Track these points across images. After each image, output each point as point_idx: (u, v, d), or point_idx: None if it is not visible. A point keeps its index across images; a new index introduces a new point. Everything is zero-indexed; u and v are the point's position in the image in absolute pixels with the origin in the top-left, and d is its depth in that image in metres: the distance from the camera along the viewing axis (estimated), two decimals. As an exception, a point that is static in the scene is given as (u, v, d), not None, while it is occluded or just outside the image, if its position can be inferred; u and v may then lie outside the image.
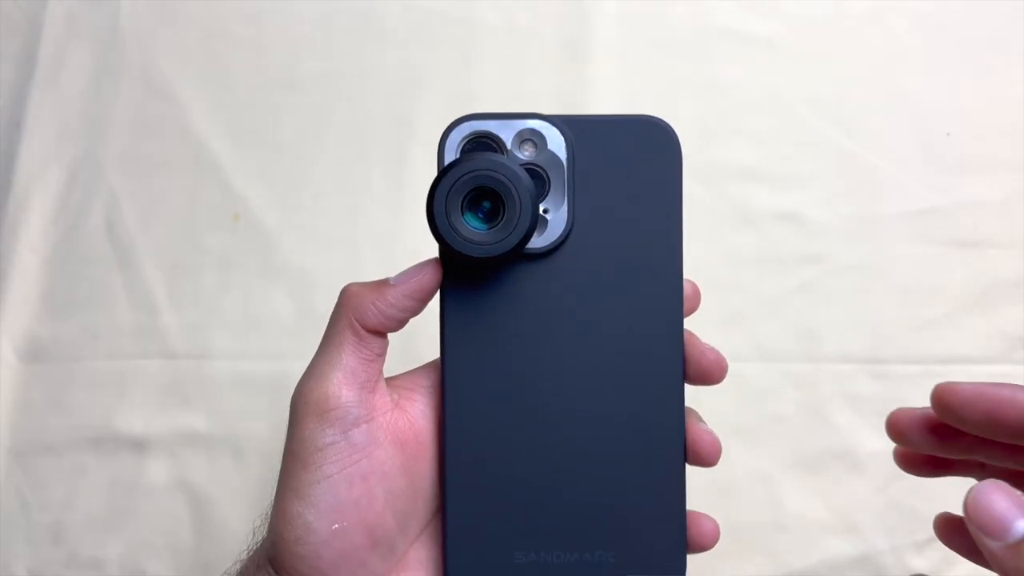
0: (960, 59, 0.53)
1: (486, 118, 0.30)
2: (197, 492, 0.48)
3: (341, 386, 0.29)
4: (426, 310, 0.31)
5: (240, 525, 0.47)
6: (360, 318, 0.29)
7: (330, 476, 0.29)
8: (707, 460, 0.31)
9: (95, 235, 0.51)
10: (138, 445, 0.48)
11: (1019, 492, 0.25)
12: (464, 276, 0.30)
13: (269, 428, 0.49)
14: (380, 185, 0.52)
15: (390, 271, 0.49)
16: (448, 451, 0.30)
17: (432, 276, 0.30)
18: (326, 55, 0.54)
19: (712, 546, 0.31)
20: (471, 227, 0.29)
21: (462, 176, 0.28)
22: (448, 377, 0.30)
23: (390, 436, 0.30)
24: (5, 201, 0.52)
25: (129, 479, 0.48)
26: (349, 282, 0.31)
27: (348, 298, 0.30)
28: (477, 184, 0.28)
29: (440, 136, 0.30)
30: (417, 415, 0.31)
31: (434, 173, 0.29)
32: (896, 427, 0.30)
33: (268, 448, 0.48)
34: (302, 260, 0.51)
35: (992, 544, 0.25)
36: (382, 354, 0.30)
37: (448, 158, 0.30)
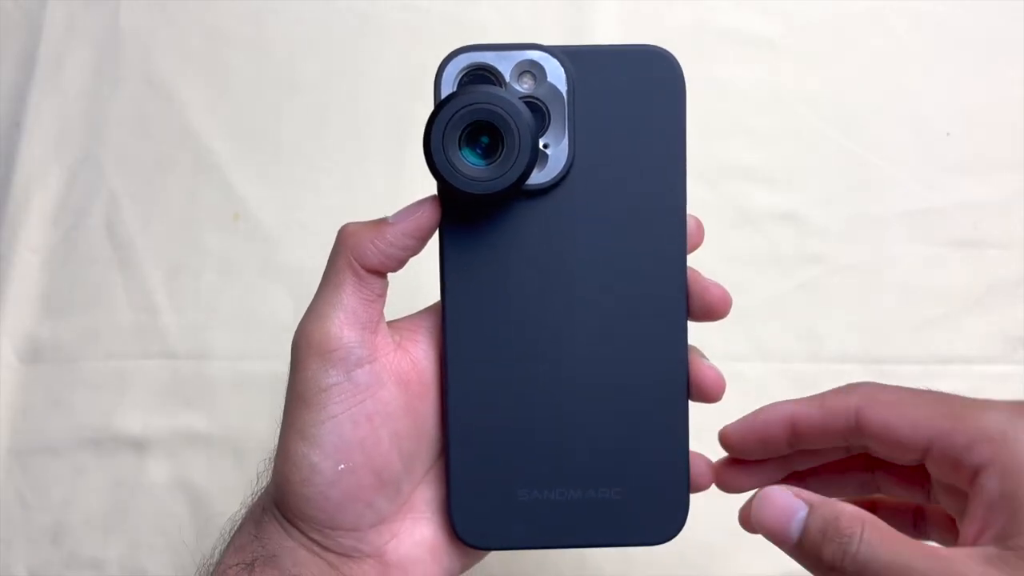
0: (960, 59, 0.53)
1: (484, 49, 0.29)
2: (197, 492, 0.48)
3: (343, 326, 0.29)
4: (428, 255, 0.30)
5: (240, 525, 0.47)
6: (359, 257, 0.29)
7: (335, 416, 0.28)
8: (711, 395, 0.31)
9: (95, 235, 0.51)
10: (138, 445, 0.48)
11: (794, 490, 0.26)
12: (463, 214, 0.29)
13: (269, 428, 0.48)
14: (380, 185, 0.51)
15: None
16: (451, 390, 0.30)
17: (431, 214, 0.29)
18: (326, 55, 0.53)
19: (707, 486, 0.32)
20: (469, 163, 0.28)
21: (459, 110, 0.27)
22: (449, 316, 0.30)
23: (394, 377, 0.29)
24: (5, 201, 0.52)
25: (129, 479, 0.48)
26: (347, 222, 0.30)
27: (346, 237, 0.30)
28: (475, 118, 0.27)
29: (436, 68, 0.29)
30: (420, 356, 0.30)
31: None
32: (719, 478, 0.32)
33: (268, 448, 0.48)
34: (302, 260, 0.50)
35: (783, 548, 0.26)
36: (383, 295, 0.30)
37: (445, 91, 0.29)
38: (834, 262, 0.50)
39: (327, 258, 0.50)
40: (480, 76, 0.29)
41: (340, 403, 0.29)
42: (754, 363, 0.49)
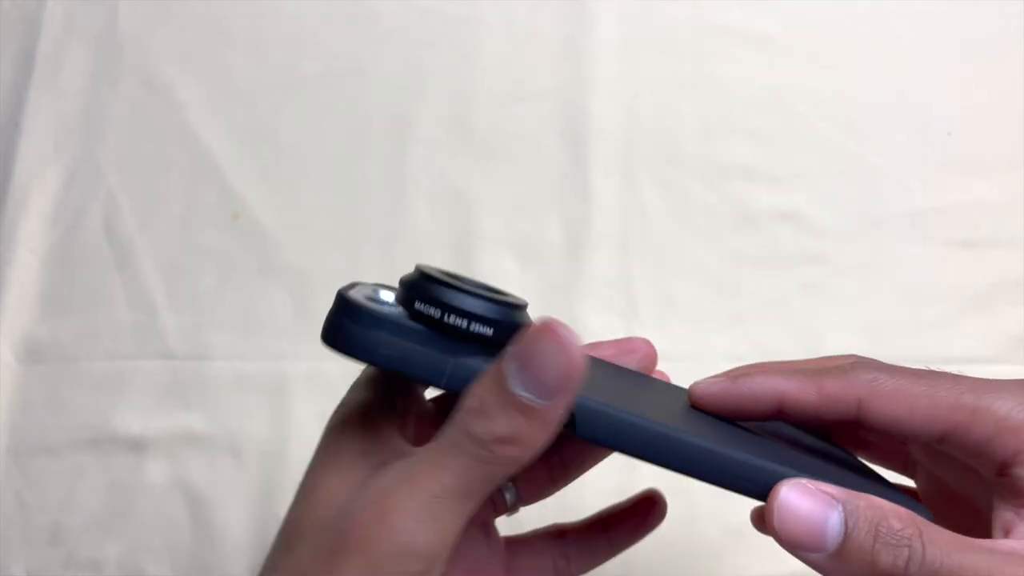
0: (960, 59, 0.52)
1: None
2: (196, 493, 0.48)
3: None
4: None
5: (239, 526, 0.47)
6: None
7: None
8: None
9: (93, 235, 0.51)
10: (137, 446, 0.48)
11: (820, 484, 0.23)
12: None
13: (268, 429, 0.48)
14: (380, 185, 0.51)
15: (389, 271, 0.49)
16: None
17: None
18: (326, 55, 0.53)
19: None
20: None
21: None
22: None
23: None
24: (3, 201, 0.51)
25: (128, 480, 0.48)
26: None
27: None
28: None
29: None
30: None
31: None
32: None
33: (267, 449, 0.48)
34: (301, 260, 0.50)
35: (814, 556, 0.23)
36: None
37: None
38: (835, 262, 0.50)
39: (326, 258, 0.49)
40: None
41: None
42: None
